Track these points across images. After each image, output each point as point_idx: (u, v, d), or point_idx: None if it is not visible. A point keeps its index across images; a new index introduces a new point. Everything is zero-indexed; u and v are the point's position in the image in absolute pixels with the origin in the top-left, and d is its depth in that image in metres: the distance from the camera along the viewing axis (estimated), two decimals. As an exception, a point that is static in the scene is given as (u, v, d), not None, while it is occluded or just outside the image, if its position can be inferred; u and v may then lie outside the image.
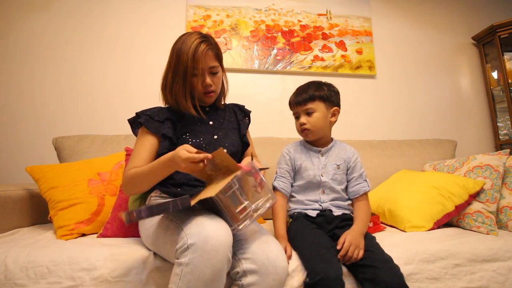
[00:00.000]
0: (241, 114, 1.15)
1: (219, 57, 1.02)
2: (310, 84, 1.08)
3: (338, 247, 0.86)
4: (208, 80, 0.98)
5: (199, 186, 0.97)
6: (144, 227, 0.91)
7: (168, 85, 0.98)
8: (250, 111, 1.19)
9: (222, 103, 1.13)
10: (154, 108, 1.02)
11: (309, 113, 1.05)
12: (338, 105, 1.09)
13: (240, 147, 1.08)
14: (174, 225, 0.78)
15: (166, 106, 1.05)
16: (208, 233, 0.69)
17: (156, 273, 0.83)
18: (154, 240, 0.85)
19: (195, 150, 0.77)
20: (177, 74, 0.95)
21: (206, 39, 0.97)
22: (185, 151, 0.76)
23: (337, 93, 1.09)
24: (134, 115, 1.01)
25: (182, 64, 0.93)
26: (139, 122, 0.98)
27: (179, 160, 0.76)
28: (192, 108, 0.99)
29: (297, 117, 1.09)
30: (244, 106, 1.20)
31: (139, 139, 0.98)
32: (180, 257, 0.70)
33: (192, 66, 0.93)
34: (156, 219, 0.86)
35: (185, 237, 0.70)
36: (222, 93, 1.11)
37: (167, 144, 0.95)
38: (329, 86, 1.08)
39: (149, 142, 0.96)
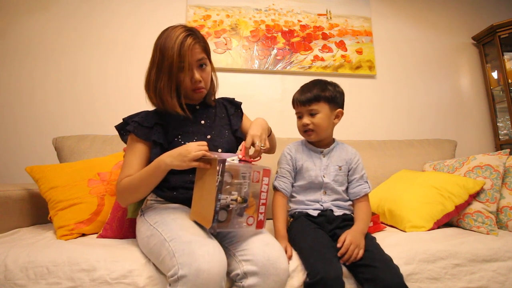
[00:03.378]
0: (231, 108, 1.12)
1: (206, 50, 0.98)
2: (316, 83, 1.06)
3: (339, 245, 0.86)
4: (197, 75, 0.94)
5: None
6: (140, 235, 0.89)
7: (152, 83, 0.93)
8: (240, 103, 1.16)
9: (213, 99, 1.09)
10: (141, 112, 0.99)
11: (312, 114, 1.03)
12: (342, 106, 1.07)
13: (234, 143, 1.06)
14: (167, 246, 0.75)
15: (153, 109, 1.01)
16: (199, 265, 0.67)
17: (154, 276, 0.82)
18: (149, 252, 0.84)
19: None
20: (161, 70, 0.90)
21: (192, 32, 0.93)
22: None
23: (342, 94, 1.07)
24: (121, 121, 0.99)
25: (167, 59, 0.89)
26: (127, 130, 0.96)
27: (191, 145, 0.81)
28: (178, 107, 0.94)
29: (299, 117, 1.07)
30: (234, 98, 1.16)
31: (129, 148, 0.96)
32: (171, 285, 0.69)
33: (178, 61, 0.89)
34: (151, 231, 0.84)
35: (177, 266, 0.69)
36: (212, 89, 1.07)
37: (159, 150, 0.92)
38: (335, 86, 1.06)
39: (140, 150, 0.94)
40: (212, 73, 1.03)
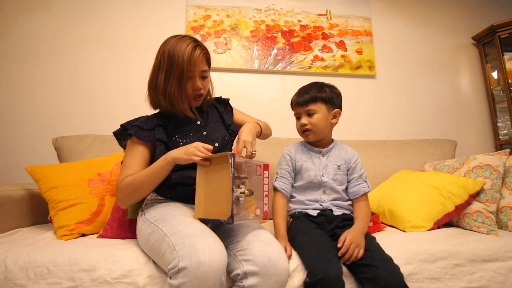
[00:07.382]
0: (221, 107, 1.19)
1: (209, 62, 1.05)
2: (312, 85, 1.09)
3: (339, 245, 0.86)
4: (199, 83, 1.00)
5: (194, 185, 0.96)
6: (140, 234, 0.90)
7: (161, 87, 0.97)
8: (228, 99, 1.22)
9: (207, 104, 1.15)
10: (140, 118, 1.04)
11: (310, 114, 1.05)
12: (340, 107, 1.09)
13: (229, 138, 1.11)
14: (167, 241, 0.76)
15: (153, 113, 1.07)
16: (200, 258, 0.68)
17: (154, 275, 0.82)
18: (149, 250, 0.84)
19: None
20: (171, 75, 0.96)
21: (199, 43, 1.00)
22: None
23: (339, 95, 1.09)
24: (120, 127, 1.02)
25: (178, 66, 0.94)
26: (129, 133, 0.98)
27: (192, 144, 0.87)
28: (189, 110, 1.01)
29: (298, 118, 1.09)
30: (220, 96, 1.21)
31: (130, 150, 0.98)
32: (172, 277, 0.69)
33: (188, 69, 0.95)
34: (152, 229, 0.85)
35: (177, 259, 0.69)
36: (209, 96, 1.13)
37: (163, 148, 0.96)
38: (332, 88, 1.09)
39: (141, 152, 0.97)
40: (210, 82, 1.10)
